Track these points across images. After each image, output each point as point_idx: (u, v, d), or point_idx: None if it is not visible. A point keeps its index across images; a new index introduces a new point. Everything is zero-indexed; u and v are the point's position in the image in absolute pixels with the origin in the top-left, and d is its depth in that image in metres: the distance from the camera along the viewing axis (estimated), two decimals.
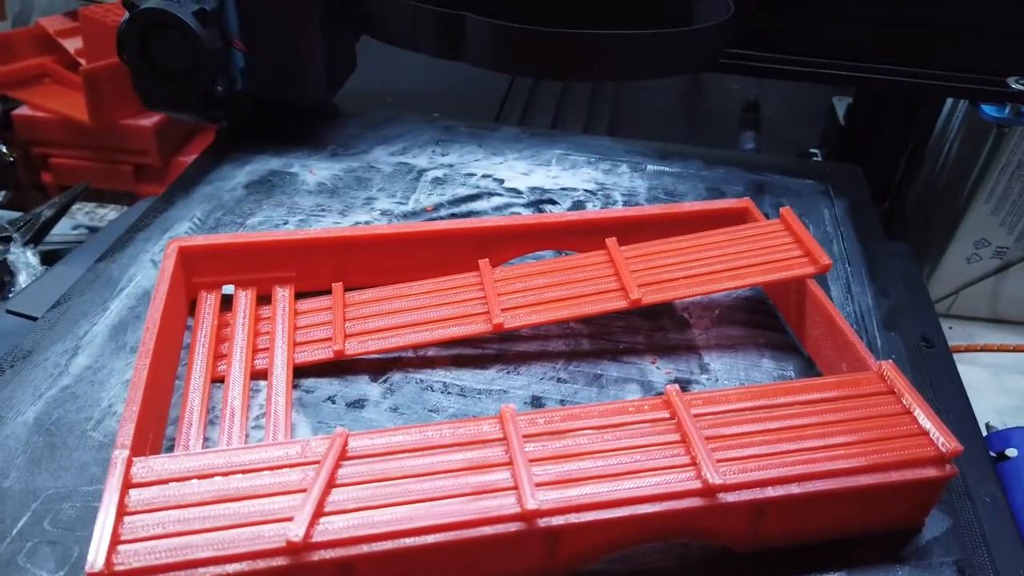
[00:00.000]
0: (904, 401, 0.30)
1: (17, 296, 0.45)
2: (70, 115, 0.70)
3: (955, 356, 0.43)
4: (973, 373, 0.58)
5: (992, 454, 0.42)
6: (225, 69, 0.49)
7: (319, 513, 0.25)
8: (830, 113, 0.68)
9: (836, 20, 0.50)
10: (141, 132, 0.70)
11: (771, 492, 0.27)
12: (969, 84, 0.50)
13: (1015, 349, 0.60)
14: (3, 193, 0.67)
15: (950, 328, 0.61)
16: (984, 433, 0.43)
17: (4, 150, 0.69)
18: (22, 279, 0.55)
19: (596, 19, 0.48)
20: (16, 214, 0.62)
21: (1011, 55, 0.49)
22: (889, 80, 0.51)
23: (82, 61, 0.72)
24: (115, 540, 0.24)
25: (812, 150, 0.66)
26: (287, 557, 0.24)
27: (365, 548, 0.25)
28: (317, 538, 0.24)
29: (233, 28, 0.48)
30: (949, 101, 0.58)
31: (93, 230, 0.67)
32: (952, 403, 0.39)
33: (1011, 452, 0.45)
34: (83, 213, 0.72)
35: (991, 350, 0.60)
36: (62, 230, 0.64)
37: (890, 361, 0.31)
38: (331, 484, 0.26)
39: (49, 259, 0.57)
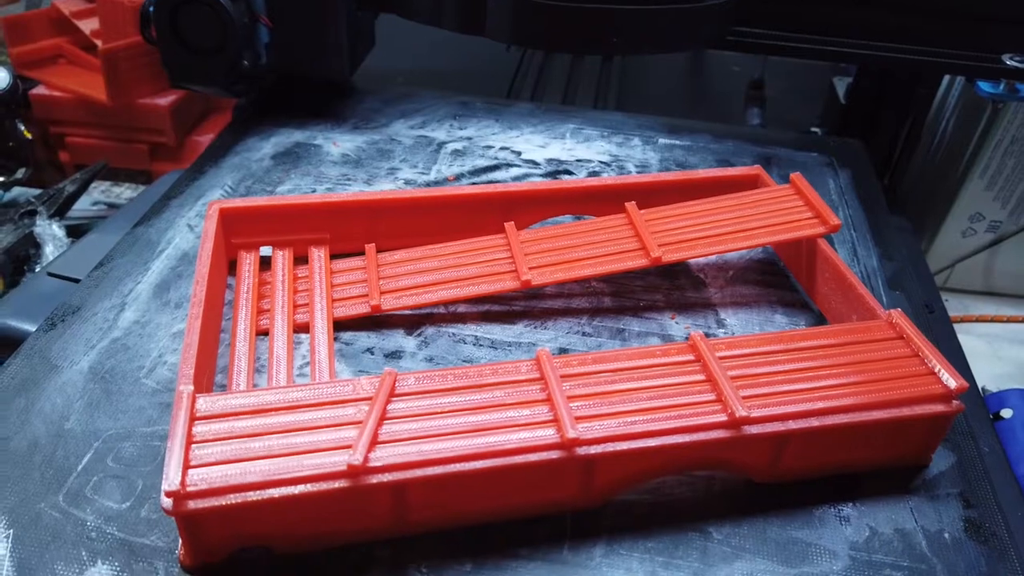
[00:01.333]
0: (912, 345, 0.32)
1: (56, 260, 0.46)
2: (87, 94, 0.72)
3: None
4: (969, 342, 0.60)
5: (989, 415, 0.44)
6: (251, 44, 0.51)
7: (374, 442, 0.27)
8: (830, 92, 0.70)
9: (838, 0, 0.52)
10: (157, 111, 0.71)
11: (792, 425, 0.29)
12: (965, 61, 0.52)
13: (1008, 320, 0.62)
14: (23, 170, 0.68)
15: (946, 300, 0.63)
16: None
17: (22, 129, 0.71)
18: (49, 250, 0.56)
19: None
20: (37, 191, 0.63)
21: (1005, 33, 0.51)
22: (889, 57, 0.53)
23: (98, 42, 0.73)
24: (186, 465, 0.26)
25: (813, 128, 0.68)
26: (348, 480, 0.26)
27: (419, 472, 0.26)
28: (374, 463, 0.26)
29: (259, 4, 0.50)
30: (946, 78, 0.60)
31: (111, 206, 0.68)
32: (952, 362, 0.41)
33: (1006, 412, 0.47)
34: (99, 191, 0.74)
35: (985, 321, 0.63)
36: (82, 206, 0.65)
37: (898, 310, 0.34)
38: (383, 417, 0.28)
39: (73, 232, 0.59)
